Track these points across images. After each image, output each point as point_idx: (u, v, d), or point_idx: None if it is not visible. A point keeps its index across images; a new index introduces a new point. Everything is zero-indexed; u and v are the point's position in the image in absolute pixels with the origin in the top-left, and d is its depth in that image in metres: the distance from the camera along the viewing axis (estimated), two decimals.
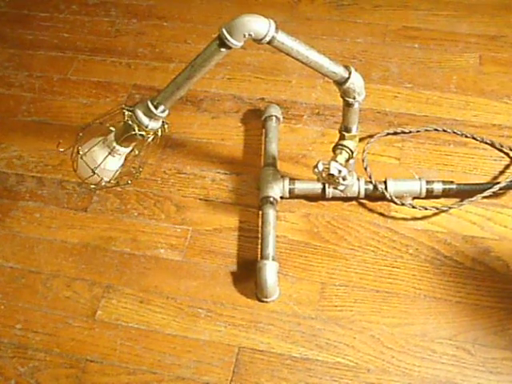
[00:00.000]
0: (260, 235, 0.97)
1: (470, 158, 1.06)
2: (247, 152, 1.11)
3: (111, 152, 0.84)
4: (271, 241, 0.94)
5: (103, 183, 0.86)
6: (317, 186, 1.00)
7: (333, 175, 0.91)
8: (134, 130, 0.81)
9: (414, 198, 0.99)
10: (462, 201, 0.98)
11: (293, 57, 0.78)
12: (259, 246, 0.96)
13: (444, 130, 1.09)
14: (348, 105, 0.87)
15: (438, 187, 0.98)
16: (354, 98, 0.85)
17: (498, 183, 0.98)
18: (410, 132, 1.10)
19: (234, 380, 0.86)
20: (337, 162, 0.90)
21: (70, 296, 0.96)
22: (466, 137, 1.08)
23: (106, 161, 0.85)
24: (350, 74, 0.82)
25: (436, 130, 1.10)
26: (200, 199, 1.06)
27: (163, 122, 0.84)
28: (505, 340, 0.86)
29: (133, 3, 1.41)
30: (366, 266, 0.95)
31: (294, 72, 1.22)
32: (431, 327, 0.88)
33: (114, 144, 0.85)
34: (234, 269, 0.97)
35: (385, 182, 0.99)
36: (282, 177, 1.01)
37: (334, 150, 0.92)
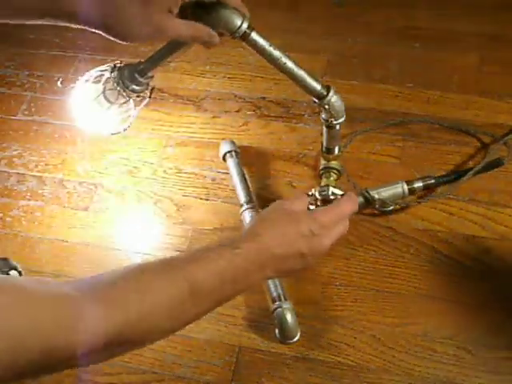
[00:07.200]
0: None
1: (472, 157, 1.06)
2: (248, 151, 1.11)
3: (104, 98, 0.88)
4: (277, 280, 0.89)
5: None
6: None
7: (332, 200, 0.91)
8: (116, 87, 0.85)
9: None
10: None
11: (267, 60, 0.77)
12: (265, 290, 0.90)
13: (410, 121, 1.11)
14: (328, 127, 0.85)
15: (418, 185, 0.98)
16: (328, 120, 0.83)
17: (472, 169, 0.99)
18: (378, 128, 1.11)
19: (235, 380, 0.86)
20: (334, 187, 0.90)
21: None
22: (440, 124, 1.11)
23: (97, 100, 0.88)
24: (327, 93, 0.80)
25: (402, 121, 1.11)
26: (201, 199, 1.06)
27: (149, 86, 0.87)
28: (506, 340, 0.86)
29: None
30: (366, 265, 0.95)
31: None
32: (432, 327, 0.88)
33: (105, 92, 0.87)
34: None
35: (368, 192, 0.95)
36: None
37: (322, 173, 0.92)
